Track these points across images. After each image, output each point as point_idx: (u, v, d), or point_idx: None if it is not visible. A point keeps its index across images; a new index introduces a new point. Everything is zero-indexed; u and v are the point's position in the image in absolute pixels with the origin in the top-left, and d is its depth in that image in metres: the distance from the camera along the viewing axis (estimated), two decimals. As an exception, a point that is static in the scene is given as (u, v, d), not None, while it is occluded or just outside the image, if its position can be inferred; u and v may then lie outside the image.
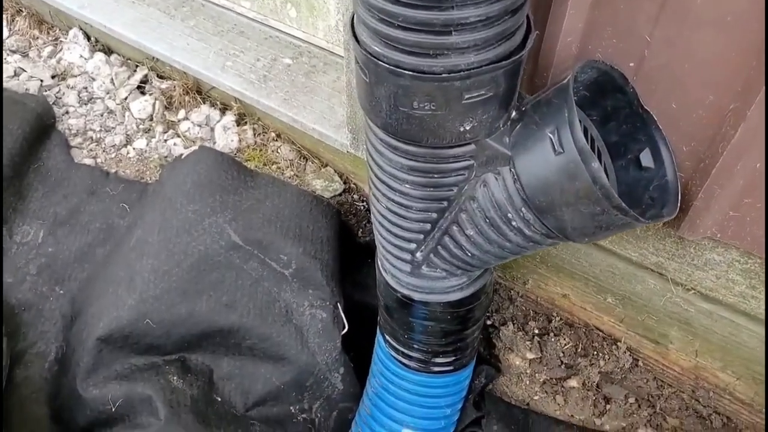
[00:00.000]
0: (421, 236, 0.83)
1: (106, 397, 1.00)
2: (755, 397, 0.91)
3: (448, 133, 0.66)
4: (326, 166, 1.18)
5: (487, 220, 0.74)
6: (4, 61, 1.33)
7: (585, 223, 0.67)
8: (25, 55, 1.36)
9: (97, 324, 1.03)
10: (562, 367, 1.06)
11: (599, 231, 0.68)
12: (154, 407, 0.99)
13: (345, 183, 1.17)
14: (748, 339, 0.84)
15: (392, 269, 0.92)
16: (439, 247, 0.83)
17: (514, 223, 0.72)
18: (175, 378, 1.03)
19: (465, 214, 0.76)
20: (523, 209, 0.70)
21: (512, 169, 0.69)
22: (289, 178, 1.16)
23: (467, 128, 0.65)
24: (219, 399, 1.07)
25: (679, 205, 0.70)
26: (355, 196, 1.17)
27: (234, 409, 1.08)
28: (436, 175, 0.73)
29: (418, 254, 0.86)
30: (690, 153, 0.73)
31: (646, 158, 0.75)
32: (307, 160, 1.18)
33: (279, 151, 1.19)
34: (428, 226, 0.81)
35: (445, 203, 0.77)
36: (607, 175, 0.78)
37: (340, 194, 1.16)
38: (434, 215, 0.79)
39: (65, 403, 1.04)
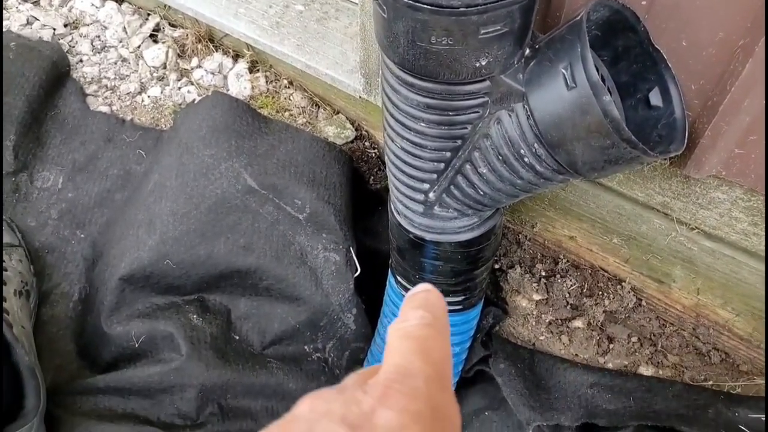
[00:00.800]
0: (435, 176, 0.85)
1: (129, 334, 1.04)
2: (753, 333, 0.95)
3: (464, 69, 0.68)
4: (338, 113, 1.20)
5: (500, 157, 0.77)
6: (16, 9, 1.34)
7: (595, 157, 0.69)
8: (36, 3, 1.37)
9: (119, 265, 1.07)
10: (568, 308, 1.09)
11: (608, 165, 0.70)
12: (175, 344, 1.03)
13: (357, 130, 1.19)
14: (748, 275, 0.87)
15: (405, 210, 0.95)
16: (452, 186, 0.85)
17: (526, 159, 0.75)
18: (194, 317, 1.07)
19: (478, 152, 0.79)
20: (535, 145, 0.72)
21: (526, 106, 0.71)
22: (302, 125, 1.18)
23: (483, 64, 0.67)
24: (237, 337, 1.12)
25: (686, 140, 0.72)
26: (367, 144, 1.20)
27: (251, 347, 1.13)
28: (451, 113, 0.76)
29: (431, 194, 0.89)
30: (698, 91, 0.75)
31: (655, 97, 0.77)
32: (319, 107, 1.20)
33: (291, 98, 1.20)
34: (442, 166, 0.83)
35: (460, 141, 0.79)
36: (616, 115, 0.80)
37: (351, 141, 1.19)
38: (448, 154, 0.81)
39: (91, 340, 1.08)
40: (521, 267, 1.13)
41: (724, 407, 0.94)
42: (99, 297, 1.08)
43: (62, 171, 1.20)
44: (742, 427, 0.89)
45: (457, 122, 0.77)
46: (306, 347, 1.18)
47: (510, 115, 0.73)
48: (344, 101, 1.18)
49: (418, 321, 0.36)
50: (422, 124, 0.78)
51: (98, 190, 1.20)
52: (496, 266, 1.18)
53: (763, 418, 0.91)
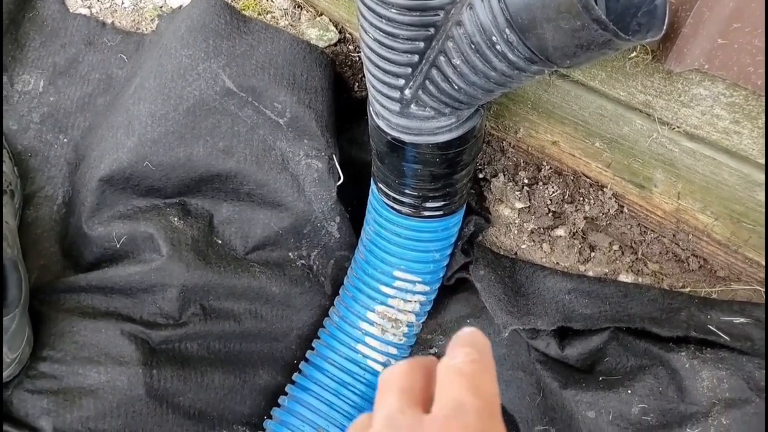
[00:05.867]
0: (409, 69, 0.83)
1: (110, 235, 1.05)
2: (731, 237, 0.94)
3: (431, -56, 0.65)
4: (321, 14, 1.16)
5: (473, 46, 0.74)
6: None
7: (566, 41, 0.67)
8: None
9: (99, 166, 1.07)
10: (550, 215, 1.09)
11: (580, 51, 0.68)
12: (156, 244, 1.04)
13: (340, 33, 1.16)
14: (728, 177, 0.86)
15: (382, 111, 0.93)
16: (427, 81, 0.83)
17: (498, 47, 0.72)
18: (176, 219, 1.08)
19: (451, 41, 0.76)
20: (506, 30, 0.70)
21: (497, -12, 0.68)
22: (284, 27, 1.15)
23: (450, -62, 0.64)
24: (219, 241, 1.13)
25: (665, 26, 0.70)
26: (351, 47, 1.17)
27: (234, 251, 1.14)
28: (421, -3, 0.73)
29: (407, 91, 0.87)
30: (682, -25, 0.72)
31: (636, -17, 0.73)
32: (302, 8, 1.17)
33: (273, 0, 1.17)
34: (416, 58, 0.81)
35: (432, 30, 0.77)
36: (596, 3, 0.77)
37: (335, 44, 1.15)
38: (421, 44, 0.79)
39: (74, 241, 1.10)
40: (504, 175, 1.12)
41: (697, 310, 0.95)
42: (80, 198, 1.09)
43: (43, 74, 1.18)
44: (712, 328, 0.90)
45: (429, 8, 0.74)
46: (290, 254, 1.19)
47: (482, 0, 0.70)
48: (327, 2, 1.14)
49: (465, 358, 0.39)
50: (393, 10, 0.75)
51: (80, 95, 1.19)
52: (480, 175, 1.17)
53: (735, 321, 0.92)
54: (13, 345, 0.94)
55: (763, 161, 0.82)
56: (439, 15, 0.74)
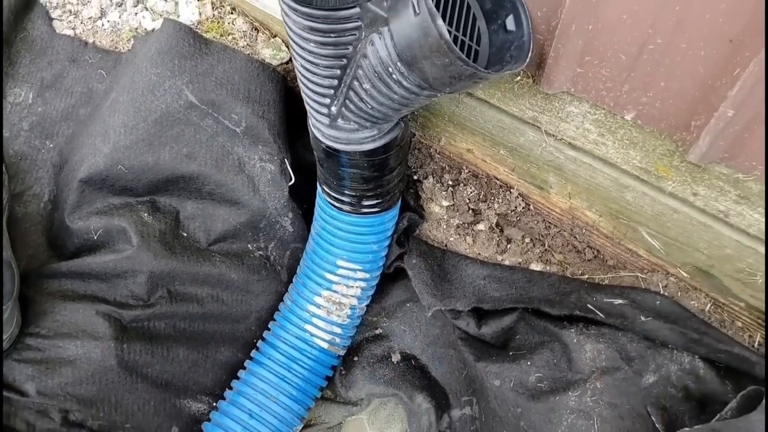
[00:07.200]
0: (332, 91, 0.99)
1: (89, 228, 1.22)
2: (614, 231, 1.10)
3: (332, -3, 0.81)
4: (275, 36, 1.33)
5: (376, 75, 0.90)
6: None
7: (441, 74, 0.83)
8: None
9: (79, 169, 1.23)
10: (470, 212, 1.25)
11: (455, 81, 0.84)
12: (128, 236, 1.21)
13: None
14: (603, 180, 1.02)
15: (317, 123, 1.10)
16: (347, 101, 0.99)
17: (394, 76, 0.88)
18: (145, 215, 1.24)
19: (361, 70, 0.92)
20: (398, 63, 0.86)
21: (389, 30, 0.84)
22: (243, 47, 1.31)
23: (348, -7, 0.80)
24: (185, 234, 1.29)
25: (528, 59, 0.86)
26: (301, 65, 1.32)
27: (197, 243, 1.30)
28: (332, 35, 0.89)
29: (333, 108, 1.03)
30: (543, 16, 0.88)
31: (510, 23, 0.90)
32: (258, 31, 1.33)
33: (234, 23, 1.33)
34: (336, 82, 0.97)
35: (345, 60, 0.93)
36: (480, 39, 0.93)
37: (286, 62, 1.32)
38: (338, 71, 0.95)
39: (58, 234, 1.26)
40: (433, 177, 1.28)
41: (585, 293, 1.11)
42: (63, 197, 1.25)
43: (32, 88, 1.35)
44: (591, 307, 1.06)
45: (340, 43, 0.90)
46: (249, 245, 1.35)
47: (380, 38, 0.86)
48: (279, 26, 1.30)
49: None
50: (312, 44, 0.91)
51: (64, 106, 1.35)
52: (415, 177, 1.34)
53: (615, 302, 1.08)
54: (5, 328, 1.10)
55: (626, 167, 0.98)
56: (348, 49, 0.90)
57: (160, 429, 1.22)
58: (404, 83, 0.88)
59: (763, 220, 0.88)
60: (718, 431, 0.85)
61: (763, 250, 0.91)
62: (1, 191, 1.19)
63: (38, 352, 1.12)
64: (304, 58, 0.95)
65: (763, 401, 0.84)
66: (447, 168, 1.25)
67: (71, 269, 1.19)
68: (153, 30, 1.36)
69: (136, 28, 1.38)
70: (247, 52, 1.30)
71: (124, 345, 1.16)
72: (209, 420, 1.26)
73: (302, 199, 1.40)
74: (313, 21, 0.87)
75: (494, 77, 0.83)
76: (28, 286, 1.19)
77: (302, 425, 1.32)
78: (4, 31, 1.33)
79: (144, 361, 1.19)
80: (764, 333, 1.03)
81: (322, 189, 1.25)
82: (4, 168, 1.26)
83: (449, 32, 0.85)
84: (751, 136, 0.79)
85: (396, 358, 1.37)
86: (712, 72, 0.77)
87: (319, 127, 1.10)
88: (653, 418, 0.99)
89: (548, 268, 1.23)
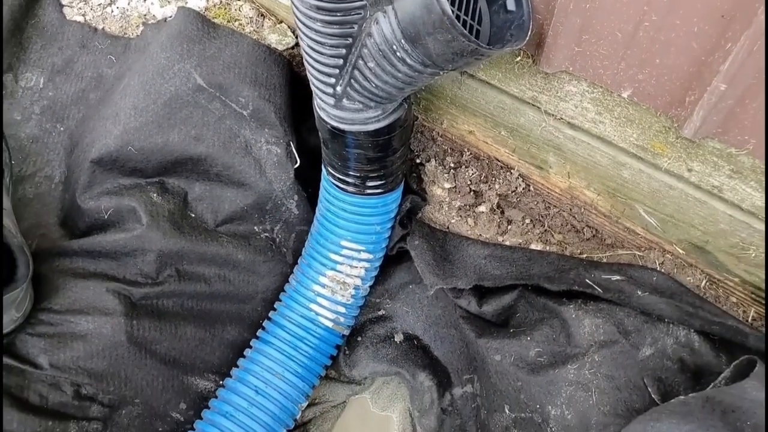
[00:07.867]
0: (337, 71, 1.02)
1: (99, 208, 1.25)
2: (612, 210, 1.13)
3: (338, -26, 0.84)
4: (281, 22, 1.36)
5: (381, 53, 0.93)
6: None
7: (444, 50, 0.86)
8: None
9: (90, 150, 1.26)
10: (471, 194, 1.28)
11: (457, 57, 0.87)
12: (137, 216, 1.24)
13: (297, 37, 1.35)
14: (600, 158, 1.05)
15: (322, 104, 1.13)
16: (352, 80, 1.02)
17: (398, 54, 0.91)
18: (155, 195, 1.27)
19: (366, 49, 0.95)
20: (402, 41, 0.89)
21: (393, 8, 0.87)
22: (249, 33, 1.34)
23: (353, -29, 0.83)
24: (193, 215, 1.32)
25: (528, 37, 0.89)
26: (306, 50, 1.35)
27: (205, 224, 1.33)
28: (338, 14, 0.92)
29: (338, 88, 1.06)
30: (542, -3, 0.91)
31: (510, 3, 0.93)
32: (264, 17, 1.36)
33: (240, 9, 1.36)
34: (341, 61, 1.00)
35: (351, 40, 0.96)
36: (481, 20, 0.96)
37: (292, 47, 1.35)
38: (344, 51, 0.98)
39: (69, 213, 1.30)
40: (435, 160, 1.31)
41: (584, 270, 1.14)
42: (75, 177, 1.28)
43: (43, 72, 1.38)
44: (589, 282, 1.08)
45: (346, 22, 0.93)
46: (255, 227, 1.38)
47: (384, 16, 0.89)
48: (285, 12, 1.33)
49: None
50: (318, 24, 0.94)
51: (75, 90, 1.38)
52: (417, 160, 1.36)
53: (612, 278, 1.11)
54: (20, 307, 1.13)
55: (623, 145, 1.01)
56: (354, 28, 0.93)
57: (168, 405, 1.25)
58: (408, 61, 0.91)
59: (756, 194, 0.91)
60: (713, 398, 0.87)
61: (756, 224, 0.94)
62: (1, 173, 1.21)
63: (51, 326, 1.15)
64: (310, 38, 0.98)
65: (756, 368, 0.86)
66: (449, 150, 1.28)
67: (82, 247, 1.22)
68: (162, 16, 1.39)
69: (145, 15, 1.41)
70: (254, 38, 1.33)
71: (134, 321, 1.19)
72: (216, 398, 1.29)
73: (307, 184, 1.42)
74: (319, 0, 0.90)
75: (495, 53, 0.86)
76: (41, 264, 1.21)
77: (307, 403, 1.35)
78: (17, 18, 1.37)
79: (153, 338, 1.22)
80: (758, 308, 1.06)
81: (327, 170, 1.28)
82: (4, 144, 1.28)
83: (452, 12, 0.88)
84: (743, 110, 0.82)
85: (399, 338, 1.40)
86: (705, 47, 0.80)
87: (324, 108, 1.12)
88: (649, 390, 1.02)
89: (548, 248, 1.26)
